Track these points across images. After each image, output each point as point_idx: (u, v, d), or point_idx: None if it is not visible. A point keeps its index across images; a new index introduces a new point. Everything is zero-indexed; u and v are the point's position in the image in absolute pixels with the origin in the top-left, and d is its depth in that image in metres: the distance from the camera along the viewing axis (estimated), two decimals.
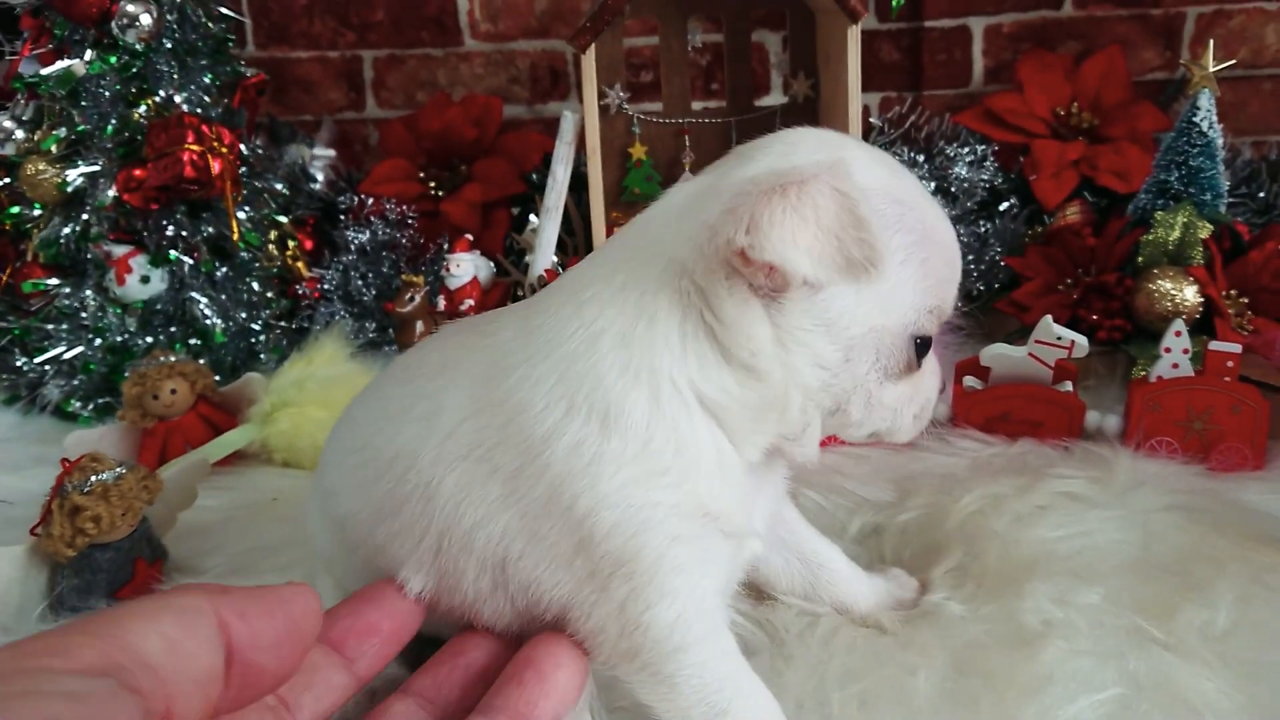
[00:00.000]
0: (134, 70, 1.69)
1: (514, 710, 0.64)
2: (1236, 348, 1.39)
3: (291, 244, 1.95)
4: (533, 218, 2.00)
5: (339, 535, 0.92)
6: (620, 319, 0.80)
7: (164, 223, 1.72)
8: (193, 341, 1.77)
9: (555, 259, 1.86)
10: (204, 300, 1.75)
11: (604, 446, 0.77)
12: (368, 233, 1.98)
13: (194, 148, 1.63)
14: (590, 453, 0.77)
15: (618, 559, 0.76)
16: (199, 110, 1.73)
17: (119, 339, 1.74)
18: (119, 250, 1.71)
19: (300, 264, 1.95)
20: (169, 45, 1.71)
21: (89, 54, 1.67)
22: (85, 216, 1.71)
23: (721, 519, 0.78)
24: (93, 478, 1.13)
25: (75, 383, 1.73)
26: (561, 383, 0.80)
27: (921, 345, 0.79)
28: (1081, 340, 1.43)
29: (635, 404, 0.77)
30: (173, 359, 1.51)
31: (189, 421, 1.52)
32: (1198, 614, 1.04)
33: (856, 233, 0.70)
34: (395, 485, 0.84)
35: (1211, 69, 1.64)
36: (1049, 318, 1.45)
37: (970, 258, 1.87)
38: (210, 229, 1.77)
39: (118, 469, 1.16)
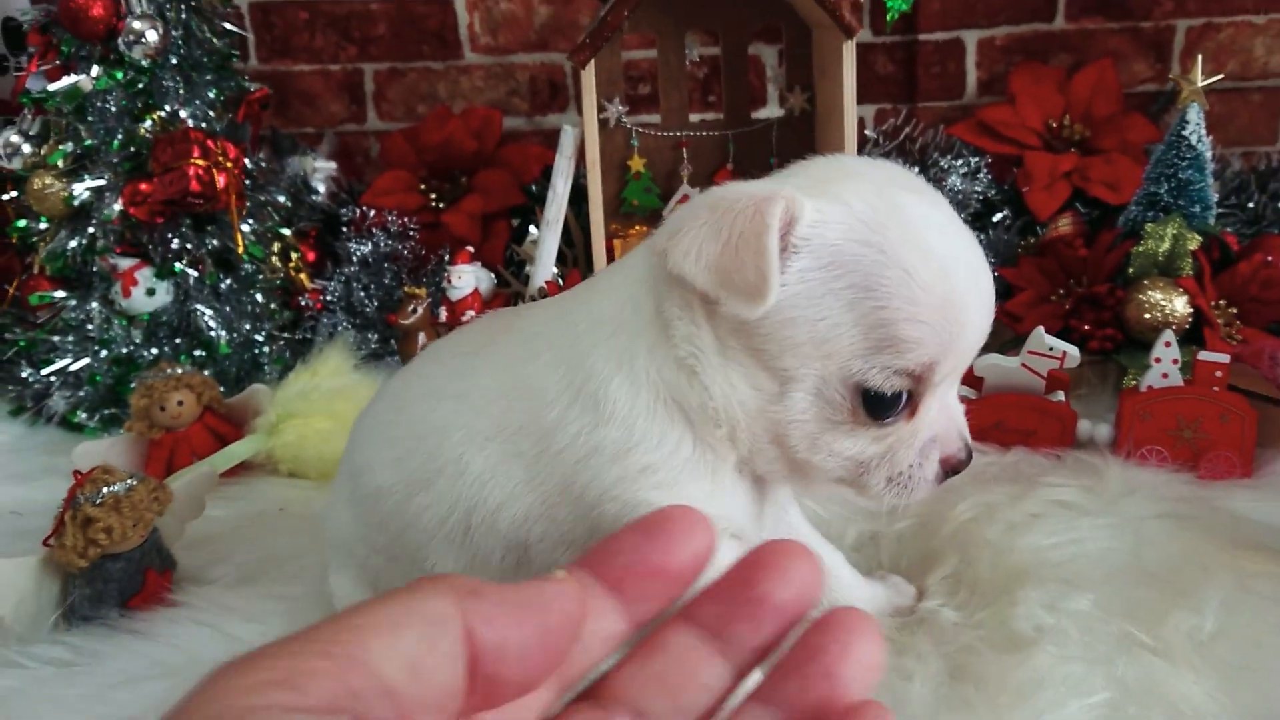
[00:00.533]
0: (140, 86, 1.71)
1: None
2: (1224, 358, 1.42)
3: (294, 256, 1.97)
4: (533, 229, 2.03)
5: (370, 512, 0.96)
6: (615, 307, 0.84)
7: (169, 236, 1.74)
8: (197, 353, 1.79)
9: (556, 271, 1.88)
10: (209, 312, 1.78)
11: (598, 435, 0.81)
12: (369, 244, 2.00)
13: (199, 162, 1.65)
14: (590, 443, 0.81)
15: None
16: (204, 125, 1.75)
17: (124, 350, 1.76)
18: (125, 263, 1.73)
19: (303, 275, 1.97)
20: (174, 61, 1.73)
21: (95, 70, 1.69)
22: (91, 230, 1.73)
23: (720, 521, 0.79)
24: (104, 489, 1.15)
25: (81, 394, 1.75)
26: (569, 371, 0.84)
27: (874, 400, 0.73)
28: (1073, 351, 1.46)
29: (618, 393, 0.81)
30: (179, 371, 1.54)
31: (195, 433, 1.54)
32: (1185, 619, 1.07)
33: (754, 260, 0.70)
34: (428, 459, 0.89)
35: (1200, 83, 1.67)
36: (1041, 329, 1.48)
37: None
38: (215, 242, 1.79)
39: (129, 481, 1.18)
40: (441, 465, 0.88)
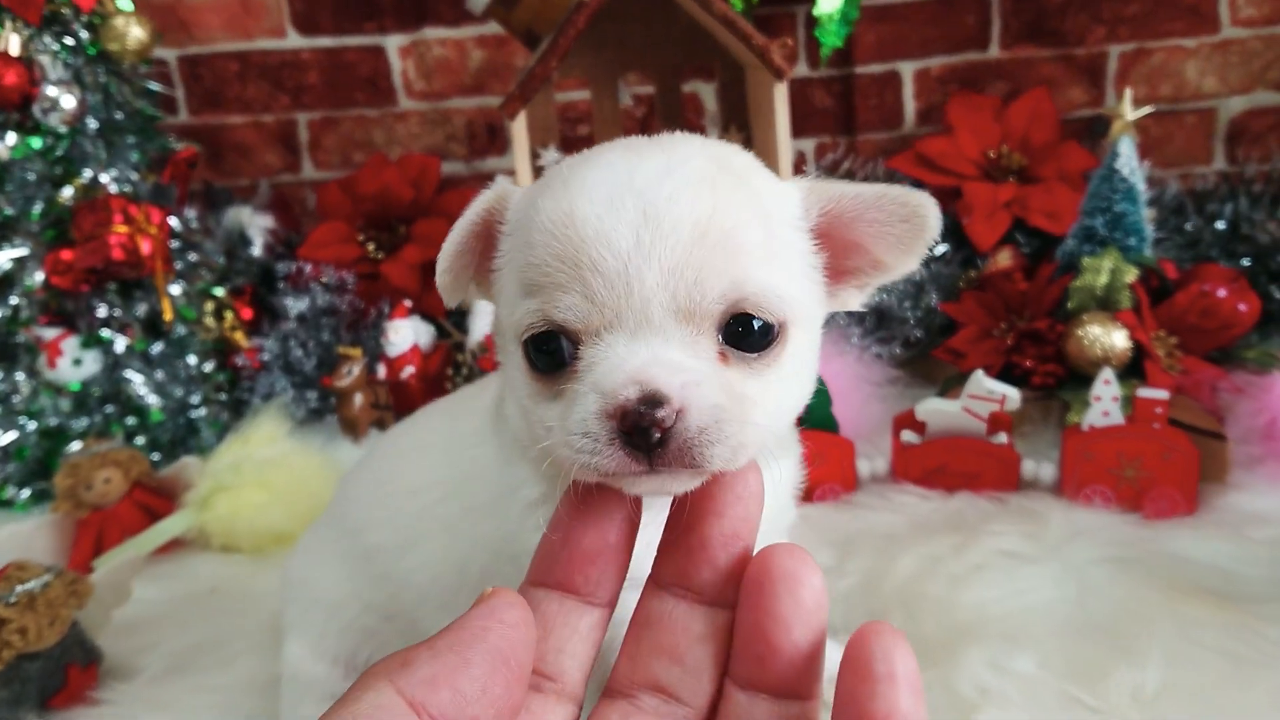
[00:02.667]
0: (59, 153, 1.67)
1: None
2: (1164, 394, 1.42)
3: (229, 314, 1.93)
4: None
5: (367, 569, 0.95)
6: None
7: (95, 304, 1.70)
8: (130, 421, 1.74)
9: None
10: (139, 379, 1.73)
11: (501, 482, 0.81)
12: (307, 300, 1.96)
13: (121, 229, 1.61)
14: (497, 488, 0.81)
15: None
16: (128, 188, 1.71)
17: (53, 422, 1.71)
18: (49, 334, 1.68)
19: (239, 334, 1.93)
20: (94, 125, 1.69)
21: (11, 138, 1.65)
22: (14, 300, 1.68)
23: None
24: (18, 588, 1.11)
25: (10, 469, 1.70)
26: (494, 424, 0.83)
27: (532, 353, 0.64)
28: (1013, 393, 1.45)
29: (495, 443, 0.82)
30: (104, 447, 1.49)
31: (124, 509, 1.50)
32: (1128, 676, 1.06)
33: (440, 259, 0.69)
34: (417, 518, 0.90)
35: (1131, 115, 1.67)
36: (980, 372, 1.47)
37: (907, 304, 1.89)
38: (143, 307, 1.75)
39: (44, 576, 1.14)
40: (429, 523, 0.89)
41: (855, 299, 0.74)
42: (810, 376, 0.70)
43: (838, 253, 0.71)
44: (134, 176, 1.73)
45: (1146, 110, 1.68)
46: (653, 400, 0.57)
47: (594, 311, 0.60)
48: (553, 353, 0.62)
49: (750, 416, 0.60)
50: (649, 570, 0.60)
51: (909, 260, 0.71)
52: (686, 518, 0.57)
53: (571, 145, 1.88)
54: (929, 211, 0.68)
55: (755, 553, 0.54)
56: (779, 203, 0.68)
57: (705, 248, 0.60)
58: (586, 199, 0.62)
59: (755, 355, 0.63)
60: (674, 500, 0.59)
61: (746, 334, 0.62)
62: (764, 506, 0.59)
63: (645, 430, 0.57)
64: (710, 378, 0.59)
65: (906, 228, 0.69)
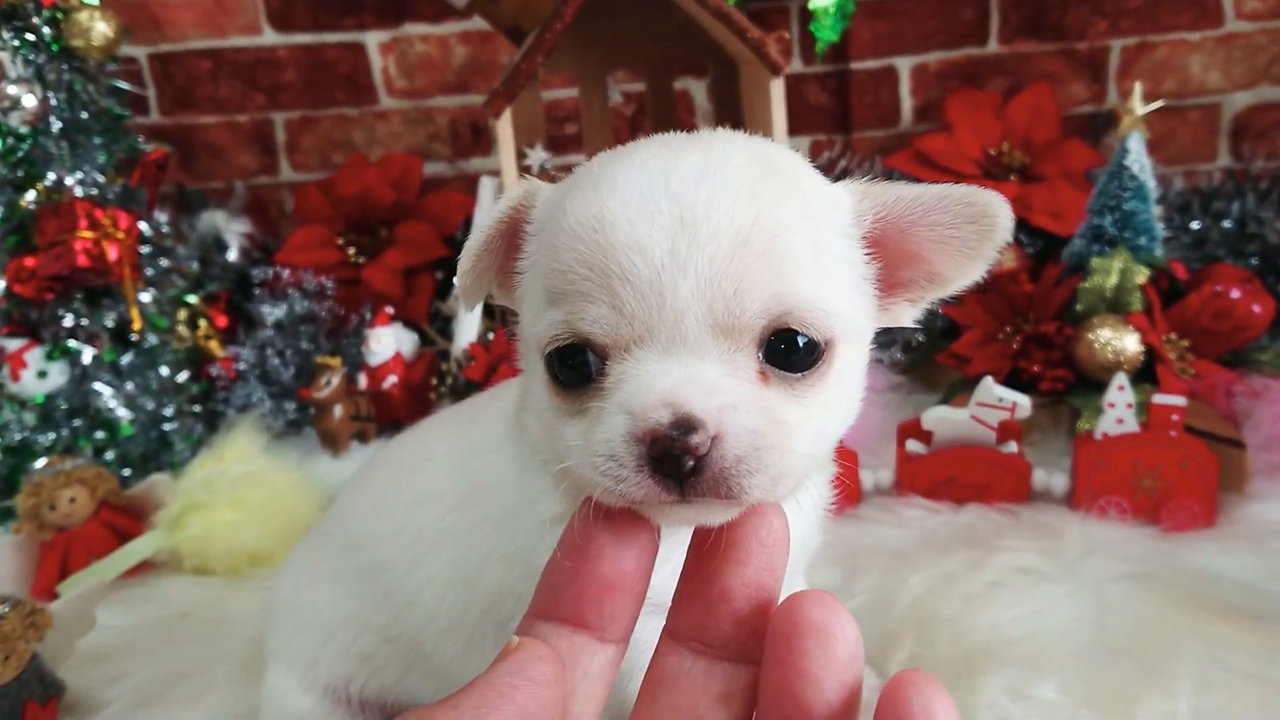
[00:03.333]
0: (20, 154, 1.59)
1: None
2: (1181, 400, 1.36)
3: (203, 323, 1.86)
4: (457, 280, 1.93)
5: (368, 588, 0.91)
6: None
7: (61, 312, 1.62)
8: (98, 435, 1.66)
9: (482, 327, 1.78)
10: (108, 391, 1.65)
11: (519, 493, 0.77)
12: (284, 306, 1.89)
13: (87, 235, 1.53)
14: (516, 499, 0.77)
15: None
16: (94, 192, 1.63)
17: (17, 437, 1.63)
18: (11, 345, 1.60)
19: (213, 343, 1.86)
20: (58, 126, 1.61)
21: None
22: None
23: None
24: None
25: None
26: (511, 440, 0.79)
27: (555, 367, 0.60)
28: (1024, 400, 1.39)
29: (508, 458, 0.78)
30: (69, 465, 1.42)
31: (91, 530, 1.43)
32: (1158, 703, 0.99)
33: (463, 259, 0.67)
34: (424, 530, 0.86)
35: (1140, 111, 1.62)
36: (989, 379, 1.41)
37: None
38: (112, 316, 1.67)
39: (0, 608, 1.06)
40: (439, 536, 0.84)
41: (908, 314, 0.68)
42: (857, 398, 0.64)
43: (891, 263, 0.65)
44: (100, 179, 1.65)
45: (1156, 105, 1.62)
46: (686, 425, 0.52)
47: (623, 324, 0.55)
48: (577, 367, 0.58)
49: (791, 444, 0.55)
50: (669, 596, 0.55)
51: (972, 268, 0.65)
52: (704, 568, 0.52)
53: (559, 145, 1.81)
54: (999, 210, 0.62)
55: (781, 600, 0.49)
56: (828, 208, 0.62)
57: (746, 257, 0.55)
58: (617, 201, 0.57)
59: (799, 375, 0.57)
60: (692, 538, 0.54)
61: (790, 352, 0.57)
62: (790, 543, 0.53)
63: (677, 458, 0.51)
64: (749, 400, 0.54)
65: (974, 229, 0.63)
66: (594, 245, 0.56)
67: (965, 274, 0.66)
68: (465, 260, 0.65)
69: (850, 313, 0.60)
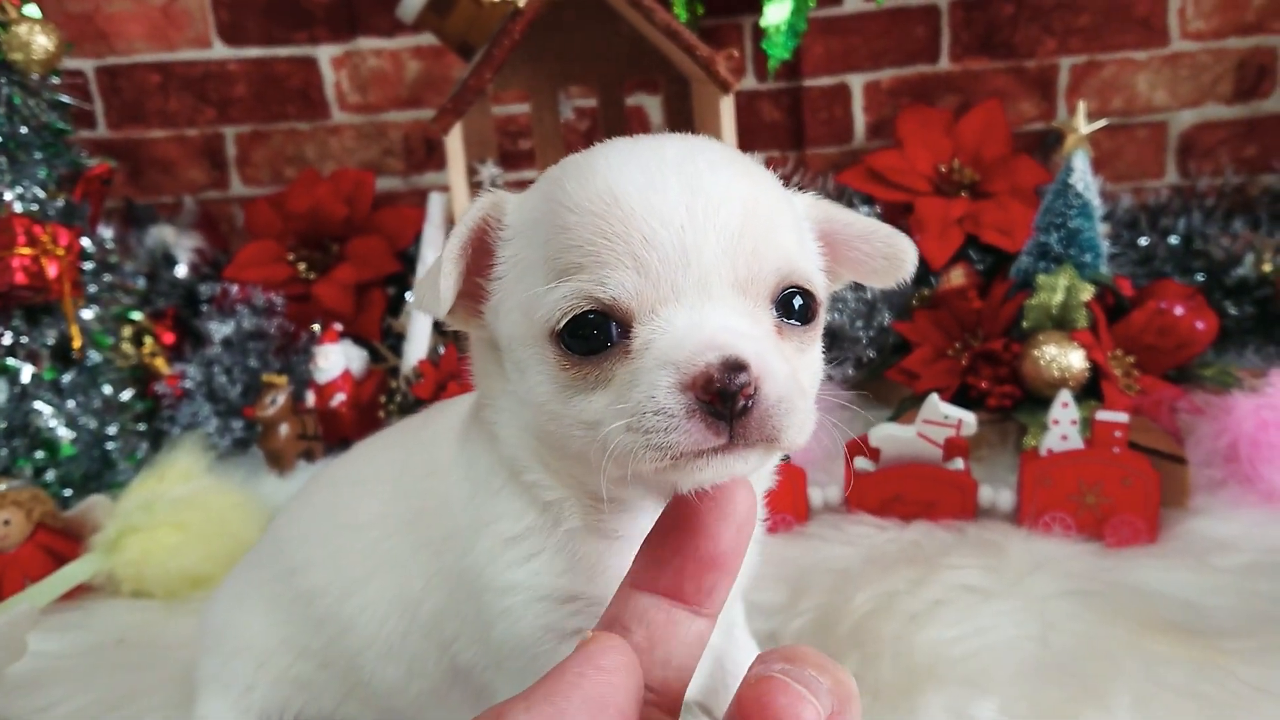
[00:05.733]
0: None
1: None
2: (1123, 417, 1.37)
3: (149, 339, 1.83)
4: (409, 296, 1.92)
5: (304, 612, 0.90)
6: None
7: None
8: (39, 454, 1.63)
9: (432, 344, 1.77)
10: (49, 411, 1.62)
11: (465, 516, 0.77)
12: (233, 323, 1.86)
13: (25, 251, 1.51)
14: (459, 523, 0.77)
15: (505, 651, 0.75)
16: (34, 208, 1.60)
17: None
18: None
19: (159, 360, 1.83)
20: None
21: None
22: None
23: (581, 602, 0.73)
24: None
25: None
26: (460, 455, 0.79)
27: (569, 338, 0.61)
28: (969, 418, 1.40)
29: (464, 475, 0.78)
30: (4, 487, 1.39)
31: (27, 553, 1.40)
32: None
33: (437, 266, 0.67)
34: (363, 555, 0.85)
35: (1084, 129, 1.63)
36: (935, 396, 1.41)
37: (859, 323, 1.83)
38: (53, 333, 1.64)
39: None
40: (378, 561, 0.84)
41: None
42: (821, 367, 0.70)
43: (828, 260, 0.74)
44: (41, 195, 1.62)
45: (1100, 124, 1.64)
46: (736, 365, 0.55)
47: (648, 286, 0.59)
48: (590, 337, 0.60)
49: (806, 392, 0.60)
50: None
51: (877, 285, 0.76)
52: (670, 536, 0.55)
53: (511, 160, 1.81)
54: (909, 255, 0.72)
55: (750, 672, 0.49)
56: (793, 198, 0.70)
57: (755, 221, 0.60)
58: (624, 178, 0.61)
59: (804, 329, 0.64)
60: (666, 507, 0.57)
61: (793, 309, 0.63)
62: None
63: (732, 395, 0.54)
64: (776, 347, 0.59)
65: (886, 264, 0.73)
66: (612, 217, 0.60)
67: (871, 284, 0.76)
68: (447, 265, 0.66)
69: (822, 284, 0.67)
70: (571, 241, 0.61)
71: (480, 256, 0.69)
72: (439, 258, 0.67)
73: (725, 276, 0.59)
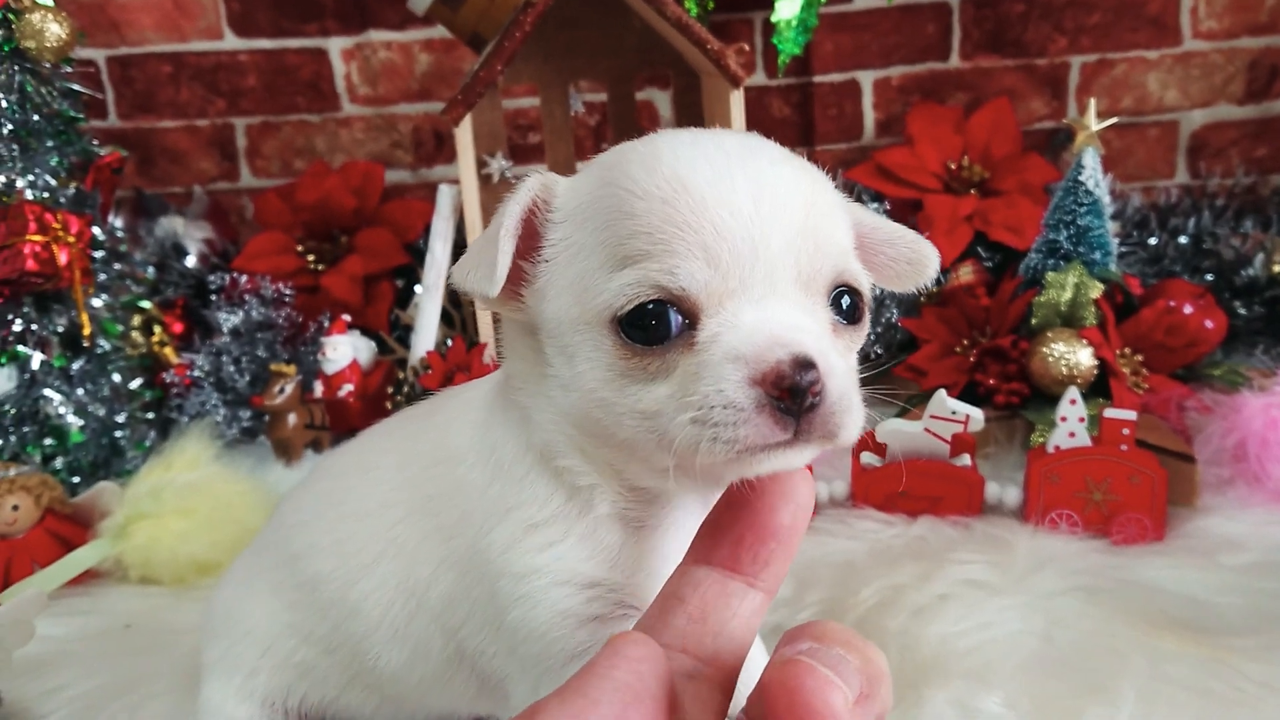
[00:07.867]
0: None
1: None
2: (1131, 415, 1.36)
3: (158, 329, 1.83)
4: (419, 288, 1.92)
5: (308, 599, 0.90)
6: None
7: (9, 317, 1.59)
8: (48, 442, 1.64)
9: (440, 336, 1.77)
10: (58, 398, 1.63)
11: (484, 501, 0.76)
12: (241, 313, 1.87)
13: (36, 238, 1.51)
14: (479, 508, 0.76)
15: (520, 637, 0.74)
16: (45, 195, 1.61)
17: None
18: None
19: (168, 350, 1.83)
20: (9, 128, 1.58)
21: None
22: None
23: (602, 588, 0.72)
24: None
25: None
26: (481, 438, 0.78)
27: (631, 327, 0.61)
28: (976, 414, 1.40)
29: (486, 459, 0.78)
30: (14, 472, 1.39)
31: (35, 539, 1.40)
32: (1101, 716, 1.00)
33: (490, 244, 0.66)
34: (370, 540, 0.85)
35: (1095, 127, 1.63)
36: (942, 392, 1.41)
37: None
38: (63, 320, 1.64)
39: None
40: (384, 547, 0.83)
41: None
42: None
43: None
44: (52, 183, 1.63)
45: (1111, 122, 1.64)
46: (805, 363, 0.56)
47: (716, 278, 0.59)
48: (651, 326, 0.60)
49: (858, 390, 0.61)
50: (651, 592, 0.60)
51: (897, 288, 0.75)
52: (730, 511, 0.57)
53: (521, 154, 1.81)
54: (932, 261, 0.72)
55: (776, 653, 0.49)
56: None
57: (816, 218, 0.61)
58: (692, 169, 0.61)
59: (854, 329, 0.64)
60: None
61: (839, 309, 0.63)
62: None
63: (801, 392, 0.56)
64: (834, 346, 0.60)
65: (909, 268, 0.73)
66: (683, 205, 0.60)
67: (890, 287, 0.75)
68: (504, 244, 0.65)
69: (868, 285, 0.67)
70: (639, 228, 0.61)
71: (524, 239, 0.68)
72: (483, 235, 0.67)
73: (789, 272, 0.60)
